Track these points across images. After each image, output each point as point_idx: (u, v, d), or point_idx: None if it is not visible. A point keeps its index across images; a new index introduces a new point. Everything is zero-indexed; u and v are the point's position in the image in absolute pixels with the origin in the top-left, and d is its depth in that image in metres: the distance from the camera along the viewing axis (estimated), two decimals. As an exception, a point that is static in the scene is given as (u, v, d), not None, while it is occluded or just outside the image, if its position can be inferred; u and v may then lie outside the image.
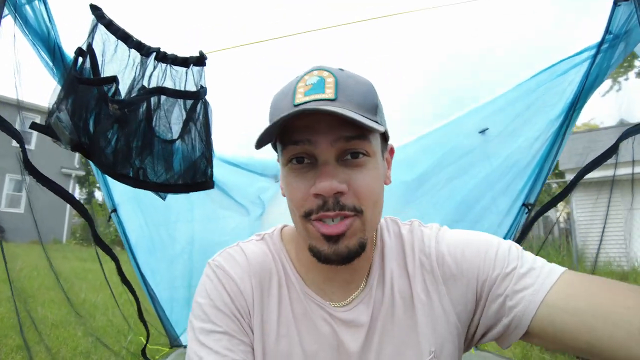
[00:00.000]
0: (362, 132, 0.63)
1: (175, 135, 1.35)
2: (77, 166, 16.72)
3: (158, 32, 1.45)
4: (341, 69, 0.68)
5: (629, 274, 6.93)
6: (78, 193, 21.11)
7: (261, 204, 2.45)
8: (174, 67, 1.36)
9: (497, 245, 0.70)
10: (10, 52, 1.43)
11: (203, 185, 1.40)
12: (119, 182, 1.45)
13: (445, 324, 0.70)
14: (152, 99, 1.30)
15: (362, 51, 1.66)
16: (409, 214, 2.43)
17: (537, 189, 2.28)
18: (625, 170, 1.64)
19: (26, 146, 1.32)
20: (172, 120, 1.33)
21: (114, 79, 1.29)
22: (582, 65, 1.76)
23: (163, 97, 1.32)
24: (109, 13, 1.35)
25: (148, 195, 1.61)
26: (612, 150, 1.64)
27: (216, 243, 2.55)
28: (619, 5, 1.52)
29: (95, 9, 1.33)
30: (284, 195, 0.73)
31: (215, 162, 1.55)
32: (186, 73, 1.38)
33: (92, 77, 1.29)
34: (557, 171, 10.01)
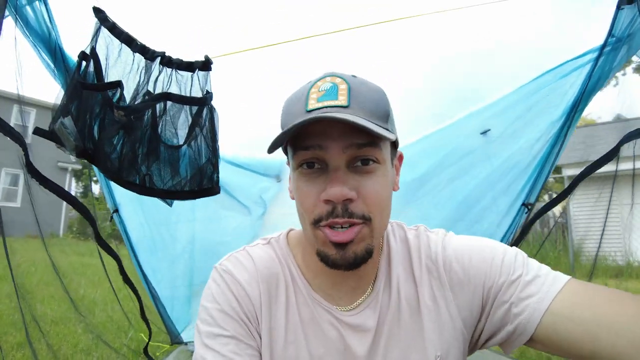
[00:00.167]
0: (373, 139, 0.64)
1: (182, 140, 1.34)
2: (74, 160, 16.61)
3: (159, 33, 1.44)
4: (354, 76, 0.69)
5: (624, 269, 6.99)
6: (74, 187, 21.04)
7: (263, 204, 2.46)
8: (179, 71, 1.35)
9: (503, 253, 0.71)
10: (11, 53, 1.42)
11: (209, 191, 1.40)
12: (122, 185, 1.45)
13: (451, 329, 0.71)
14: (157, 105, 1.29)
15: (364, 53, 1.66)
16: (410, 213, 2.44)
17: (537, 189, 2.29)
18: (623, 166, 1.65)
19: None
20: (178, 125, 1.33)
21: (118, 84, 1.28)
22: (584, 68, 1.76)
23: (169, 103, 1.32)
24: (112, 15, 1.34)
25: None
26: (613, 153, 1.65)
27: (218, 243, 2.56)
28: (622, 8, 1.52)
29: (98, 12, 1.32)
30: (293, 199, 0.74)
31: (218, 162, 1.55)
32: (192, 78, 1.37)
33: (96, 81, 1.28)
34: (554, 166, 10.03)
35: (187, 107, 1.36)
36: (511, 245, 2.05)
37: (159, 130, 1.31)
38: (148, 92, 1.33)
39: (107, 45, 1.32)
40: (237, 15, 1.50)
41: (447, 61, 1.80)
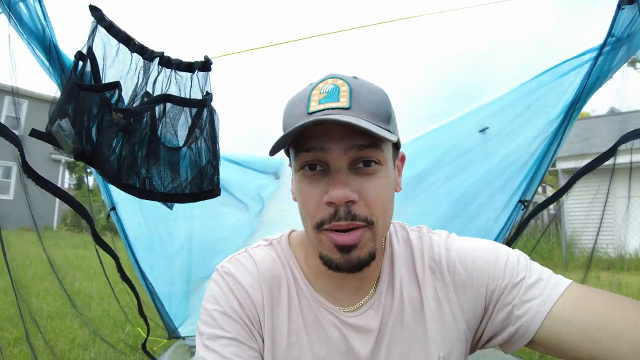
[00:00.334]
0: (374, 141, 0.64)
1: (182, 142, 1.33)
2: (67, 151, 16.41)
3: (157, 33, 1.41)
4: (355, 77, 0.69)
5: (616, 261, 7.09)
6: (68, 179, 20.87)
7: (261, 201, 2.46)
8: (178, 72, 1.33)
9: (507, 255, 0.72)
10: (4, 49, 1.39)
11: (210, 194, 1.39)
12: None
13: (454, 330, 0.72)
14: (157, 106, 1.27)
15: (364, 53, 1.65)
16: (407, 210, 2.46)
17: (534, 186, 2.31)
18: (618, 160, 1.66)
19: (14, 132, 1.29)
20: (177, 127, 1.32)
21: (116, 85, 1.26)
22: (583, 67, 1.76)
23: (169, 105, 1.30)
24: (109, 14, 1.31)
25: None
26: (611, 153, 1.66)
27: (216, 239, 2.56)
28: (623, 9, 1.52)
29: (94, 10, 1.29)
30: (295, 200, 0.73)
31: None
32: (191, 78, 1.35)
33: (93, 82, 1.26)
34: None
35: (186, 109, 1.34)
36: (507, 242, 2.06)
37: (159, 132, 1.29)
38: (147, 93, 1.31)
39: (104, 44, 1.29)
40: (237, 15, 1.48)
41: (446, 61, 1.80)
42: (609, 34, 1.61)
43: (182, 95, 1.36)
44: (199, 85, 1.36)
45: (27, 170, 1.37)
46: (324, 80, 0.67)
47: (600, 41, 1.64)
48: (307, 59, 1.51)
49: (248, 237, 2.56)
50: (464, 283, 0.72)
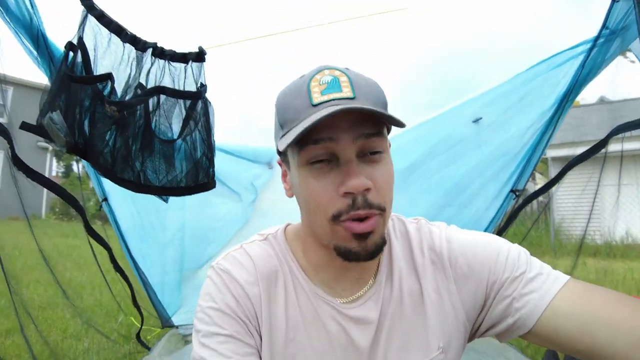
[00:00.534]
0: (380, 129, 0.64)
1: (176, 134, 1.31)
2: (54, 139, 16.10)
3: (149, 23, 1.38)
4: (347, 68, 0.68)
5: (602, 248, 7.23)
6: (55, 167, 20.55)
7: (254, 191, 2.45)
8: (172, 63, 1.31)
9: (508, 250, 0.73)
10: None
11: (206, 186, 1.38)
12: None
13: (454, 321, 0.73)
14: (151, 99, 1.25)
15: (359, 44, 1.64)
16: (399, 199, 2.46)
17: (526, 176, 2.34)
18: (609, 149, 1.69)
19: (2, 124, 1.26)
20: (172, 119, 1.29)
21: (108, 77, 1.23)
22: (577, 59, 1.77)
23: (163, 97, 1.28)
24: (100, 3, 1.27)
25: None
26: (602, 145, 1.68)
27: (209, 229, 2.56)
28: (618, 1, 1.52)
29: (84, -1, 1.26)
30: (291, 197, 0.73)
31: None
32: (185, 69, 1.33)
33: (84, 73, 1.23)
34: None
35: (181, 101, 1.32)
36: (498, 231, 2.09)
37: (153, 124, 1.27)
38: (140, 84, 1.29)
39: (95, 35, 1.26)
40: (229, 6, 1.45)
41: (441, 52, 1.79)
42: (603, 26, 1.62)
43: (176, 87, 1.33)
44: (193, 76, 1.34)
45: (16, 162, 1.35)
46: (319, 71, 0.66)
47: (595, 33, 1.65)
48: (300, 50, 1.49)
49: (241, 227, 2.56)
50: (464, 275, 0.73)
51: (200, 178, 1.36)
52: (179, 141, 1.32)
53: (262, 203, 2.50)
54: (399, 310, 0.73)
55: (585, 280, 0.69)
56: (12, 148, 1.32)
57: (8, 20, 1.39)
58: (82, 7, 1.26)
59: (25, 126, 1.20)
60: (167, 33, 1.37)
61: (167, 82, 1.32)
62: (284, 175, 0.75)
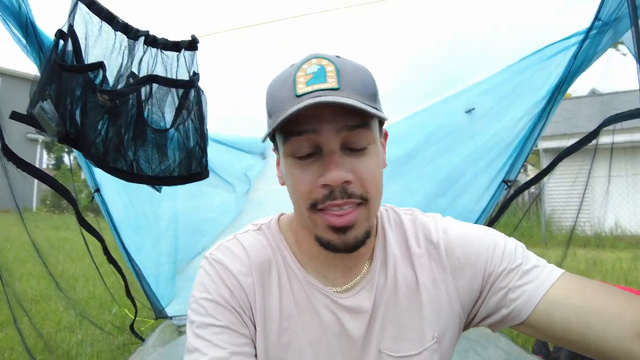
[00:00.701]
0: (365, 120, 0.64)
1: (169, 123, 1.30)
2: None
3: (141, 11, 1.36)
4: (338, 56, 0.67)
5: (591, 239, 7.33)
6: (46, 159, 20.29)
7: (247, 181, 2.45)
8: (164, 52, 1.29)
9: (505, 243, 0.74)
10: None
11: (198, 176, 1.37)
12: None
13: (449, 312, 0.74)
14: (143, 88, 1.23)
15: (353, 33, 1.62)
16: (393, 189, 2.48)
17: (518, 166, 2.36)
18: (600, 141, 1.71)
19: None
20: (164, 108, 1.28)
21: (100, 65, 1.21)
22: (569, 50, 1.78)
23: (155, 86, 1.26)
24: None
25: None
26: (593, 135, 1.70)
27: (203, 220, 2.55)
28: (610, -8, 1.52)
29: (74, -15, 1.23)
30: (283, 184, 0.73)
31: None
32: (177, 58, 1.31)
33: (75, 62, 1.21)
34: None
35: (173, 90, 1.30)
36: (490, 221, 2.10)
37: (145, 113, 1.26)
38: (132, 73, 1.27)
39: (86, 23, 1.24)
40: (233, 12, 1.43)
41: (437, 43, 1.79)
42: (596, 17, 1.62)
43: (169, 76, 1.32)
44: (186, 65, 1.32)
45: (6, 152, 1.33)
46: (307, 60, 0.65)
47: (587, 25, 1.65)
48: (294, 38, 1.48)
49: (235, 218, 2.56)
50: (461, 266, 0.74)
51: (193, 167, 1.36)
52: (172, 130, 1.31)
53: (255, 193, 2.50)
54: (393, 300, 0.73)
55: (575, 270, 0.71)
56: (1, 138, 1.30)
57: (-4, 7, 1.36)
58: (72, -6, 1.24)
59: (15, 116, 1.19)
60: (159, 21, 1.35)
61: (159, 71, 1.31)
62: (278, 164, 0.75)
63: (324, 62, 0.64)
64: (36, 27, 1.46)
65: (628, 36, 1.52)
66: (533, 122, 2.12)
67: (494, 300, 0.71)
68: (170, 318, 2.81)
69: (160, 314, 2.81)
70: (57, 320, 3.35)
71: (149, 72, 1.29)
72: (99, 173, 2.11)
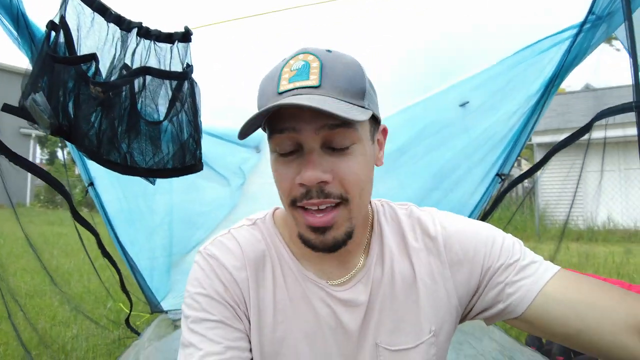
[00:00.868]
0: (346, 119, 0.62)
1: (162, 116, 1.29)
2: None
3: (136, 6, 1.35)
4: (329, 51, 0.66)
5: (584, 233, 7.39)
6: (39, 154, 20.13)
7: (242, 174, 2.45)
8: (158, 43, 1.28)
9: (503, 238, 0.74)
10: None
11: (193, 168, 1.37)
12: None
13: (446, 306, 0.74)
14: (136, 79, 1.23)
15: (347, 25, 1.62)
16: (387, 182, 2.49)
17: (512, 160, 2.37)
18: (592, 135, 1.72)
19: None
20: (158, 100, 1.28)
21: (93, 57, 1.20)
22: (563, 44, 1.79)
23: (148, 78, 1.26)
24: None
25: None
26: (586, 129, 1.71)
27: (197, 213, 2.55)
28: (604, -14, 1.53)
29: (65, -24, 1.22)
30: None
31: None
32: (171, 50, 1.31)
33: (67, 54, 1.20)
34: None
35: (167, 82, 1.30)
36: (484, 215, 2.11)
37: (139, 105, 1.25)
38: (125, 65, 1.26)
39: (78, 14, 1.22)
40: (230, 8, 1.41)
41: (432, 35, 1.79)
42: (590, 11, 1.63)
43: (162, 68, 1.31)
44: (179, 56, 1.32)
45: (0, 147, 1.32)
46: (295, 56, 0.65)
47: (581, 19, 1.66)
48: (289, 29, 1.47)
49: (229, 211, 2.56)
50: (459, 261, 0.74)
51: (187, 160, 1.35)
52: (165, 122, 1.31)
53: (250, 187, 2.50)
54: (390, 293, 0.74)
55: (568, 264, 0.72)
56: (-6, 131, 1.29)
57: (-14, -1, 1.35)
58: (63, -15, 1.22)
59: (7, 108, 1.17)
60: (152, 12, 1.34)
61: (152, 63, 1.30)
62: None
63: (310, 57, 0.63)
64: (27, 19, 1.44)
65: (621, 31, 1.53)
66: (527, 116, 2.13)
67: (491, 294, 0.72)
68: (166, 312, 2.82)
69: (155, 308, 2.81)
70: (52, 315, 3.34)
71: (142, 64, 1.28)
72: (92, 166, 2.10)
